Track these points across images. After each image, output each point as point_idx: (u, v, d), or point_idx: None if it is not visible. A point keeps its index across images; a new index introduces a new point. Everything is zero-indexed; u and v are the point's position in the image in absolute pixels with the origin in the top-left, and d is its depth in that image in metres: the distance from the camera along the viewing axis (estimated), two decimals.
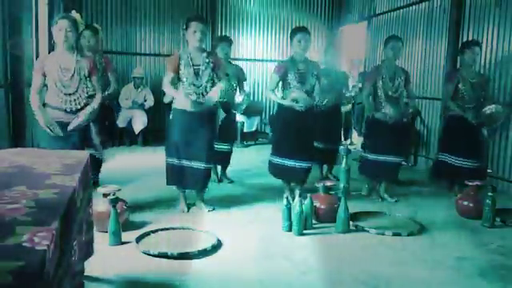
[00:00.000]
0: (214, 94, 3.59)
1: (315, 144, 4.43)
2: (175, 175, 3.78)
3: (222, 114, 4.55)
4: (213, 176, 4.75)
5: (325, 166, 5.27)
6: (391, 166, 4.39)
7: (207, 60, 3.68)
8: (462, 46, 4.68)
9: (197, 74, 3.64)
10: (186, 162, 3.73)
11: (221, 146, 4.65)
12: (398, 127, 4.31)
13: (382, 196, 4.44)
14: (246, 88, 4.98)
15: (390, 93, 4.29)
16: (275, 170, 4.22)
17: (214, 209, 3.91)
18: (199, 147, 3.70)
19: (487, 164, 4.95)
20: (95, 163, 4.15)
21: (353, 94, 5.79)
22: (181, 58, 3.66)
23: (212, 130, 3.85)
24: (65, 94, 3.23)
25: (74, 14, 3.34)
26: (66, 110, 3.27)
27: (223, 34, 8.13)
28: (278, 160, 4.15)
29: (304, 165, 4.09)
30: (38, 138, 3.43)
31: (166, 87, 3.64)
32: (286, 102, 3.99)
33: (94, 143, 3.86)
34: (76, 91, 3.25)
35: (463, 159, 4.50)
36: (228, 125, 4.76)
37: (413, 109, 4.53)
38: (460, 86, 4.49)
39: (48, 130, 3.15)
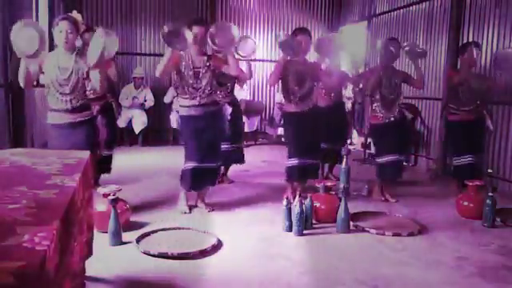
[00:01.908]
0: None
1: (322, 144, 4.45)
2: (188, 179, 3.75)
3: (228, 113, 4.53)
4: None
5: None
6: (397, 165, 4.40)
7: (207, 63, 3.71)
8: (462, 48, 4.69)
9: (196, 76, 3.67)
10: (200, 165, 3.72)
11: (225, 146, 4.66)
12: (398, 127, 4.35)
13: (386, 197, 4.44)
14: (245, 89, 4.95)
15: (386, 94, 4.31)
16: (293, 171, 4.13)
17: (213, 210, 3.91)
18: (210, 147, 3.73)
19: (485, 162, 4.98)
20: (101, 164, 4.18)
21: (352, 94, 5.80)
22: (182, 59, 3.68)
23: (218, 130, 3.85)
24: (61, 94, 3.20)
25: (75, 14, 3.32)
26: (63, 110, 3.23)
27: None
28: (296, 161, 4.08)
29: (311, 162, 4.14)
30: (46, 134, 3.43)
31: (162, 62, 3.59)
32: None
33: (100, 141, 3.88)
34: (73, 91, 3.21)
35: (469, 156, 4.54)
36: (233, 124, 4.72)
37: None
38: (459, 87, 4.50)
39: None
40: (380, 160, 4.43)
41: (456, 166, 4.67)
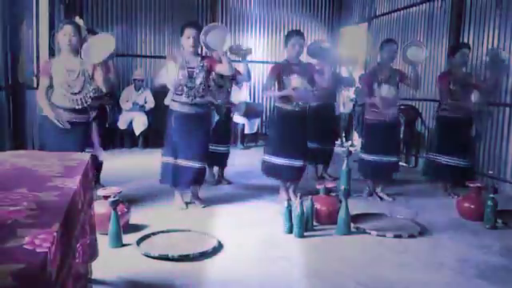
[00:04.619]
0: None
1: (309, 144, 4.51)
2: (169, 174, 3.91)
3: (216, 117, 4.59)
4: (210, 178, 4.79)
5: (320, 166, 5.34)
6: (386, 167, 4.47)
7: (201, 63, 3.85)
8: (453, 49, 4.75)
9: (191, 76, 3.80)
10: (181, 162, 3.87)
11: (217, 148, 4.70)
12: (390, 129, 4.42)
13: (380, 196, 4.50)
14: (245, 91, 4.99)
15: (385, 95, 4.35)
16: (268, 168, 4.28)
17: (207, 205, 4.03)
18: (195, 147, 3.87)
19: (474, 163, 5.02)
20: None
21: (354, 95, 5.84)
22: (176, 60, 3.82)
23: (207, 131, 4.01)
24: (71, 94, 3.37)
25: (78, 19, 3.50)
26: (71, 109, 3.39)
27: None
28: (271, 158, 4.22)
29: (297, 163, 4.18)
30: (43, 134, 3.57)
31: (161, 76, 3.86)
32: (285, 92, 4.08)
33: (92, 142, 4.00)
34: (81, 90, 3.39)
35: (452, 158, 4.59)
36: (223, 126, 4.79)
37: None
38: (451, 87, 4.56)
39: (57, 123, 3.31)
40: (364, 156, 4.52)
41: (438, 164, 4.70)
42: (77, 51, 3.42)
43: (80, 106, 3.40)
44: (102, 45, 3.34)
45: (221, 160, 4.93)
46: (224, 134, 4.89)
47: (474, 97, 4.69)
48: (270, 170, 4.28)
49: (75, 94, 3.37)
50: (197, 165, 3.89)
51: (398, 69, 4.67)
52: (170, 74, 3.76)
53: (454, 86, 4.53)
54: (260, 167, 4.41)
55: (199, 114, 3.87)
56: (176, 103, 3.88)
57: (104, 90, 3.60)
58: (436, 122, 4.90)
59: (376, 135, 4.46)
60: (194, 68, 3.83)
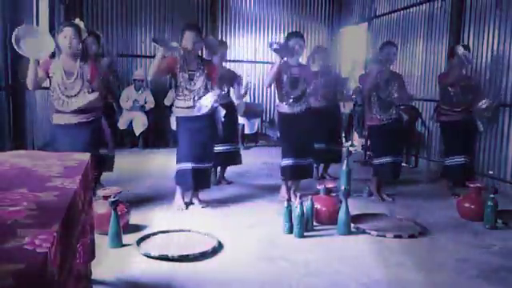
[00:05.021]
0: (205, 102, 3.75)
1: (316, 145, 4.55)
2: (189, 179, 3.88)
3: (222, 111, 4.57)
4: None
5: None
6: (393, 166, 4.47)
7: (202, 66, 3.85)
8: (452, 50, 4.74)
9: (191, 79, 3.81)
10: (193, 165, 3.84)
11: (222, 148, 4.69)
12: (394, 128, 4.42)
13: (382, 196, 4.50)
14: (242, 90, 4.96)
15: (383, 97, 4.37)
16: (287, 171, 4.23)
17: (207, 205, 4.04)
18: (203, 148, 3.88)
19: (474, 162, 5.05)
20: (104, 162, 4.22)
21: (353, 96, 5.83)
22: (177, 63, 3.82)
23: (213, 131, 3.99)
24: (66, 96, 3.35)
25: (78, 21, 3.49)
26: (70, 111, 3.37)
27: (223, 36, 8.17)
28: (290, 161, 4.18)
29: (305, 162, 4.23)
30: (55, 142, 3.56)
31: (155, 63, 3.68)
32: (275, 66, 4.02)
33: (106, 141, 4.01)
34: (78, 93, 3.37)
35: (460, 156, 4.64)
36: (229, 126, 4.77)
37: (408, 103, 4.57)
38: (450, 88, 4.57)
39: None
40: (377, 161, 4.52)
41: (447, 165, 4.79)
42: (76, 53, 3.40)
43: (76, 109, 3.37)
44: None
45: (230, 159, 4.92)
46: (229, 133, 4.86)
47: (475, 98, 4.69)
48: (289, 172, 4.24)
49: (71, 96, 3.35)
50: (207, 165, 3.95)
51: (396, 72, 4.67)
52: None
53: (453, 87, 4.55)
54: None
55: (202, 116, 3.83)
56: (179, 109, 3.89)
57: (103, 92, 3.60)
58: (440, 128, 4.94)
59: (380, 138, 4.49)
60: (194, 71, 3.83)
